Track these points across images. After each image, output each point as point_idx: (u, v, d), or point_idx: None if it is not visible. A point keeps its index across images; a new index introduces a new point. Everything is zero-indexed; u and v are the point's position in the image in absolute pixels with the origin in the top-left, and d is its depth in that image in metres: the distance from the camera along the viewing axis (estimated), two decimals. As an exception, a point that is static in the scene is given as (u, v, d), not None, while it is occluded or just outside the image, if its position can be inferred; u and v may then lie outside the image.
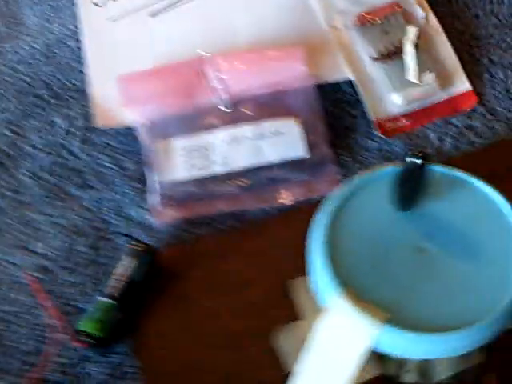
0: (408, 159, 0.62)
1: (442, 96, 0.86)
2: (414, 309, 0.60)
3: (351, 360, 0.60)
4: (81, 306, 0.74)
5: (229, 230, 0.78)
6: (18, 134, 0.86)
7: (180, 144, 0.80)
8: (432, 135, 0.84)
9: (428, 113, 0.85)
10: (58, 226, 0.79)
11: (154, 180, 0.79)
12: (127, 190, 0.81)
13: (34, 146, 0.84)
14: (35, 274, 0.76)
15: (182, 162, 0.79)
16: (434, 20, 0.90)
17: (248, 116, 0.81)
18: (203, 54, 0.82)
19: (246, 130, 0.81)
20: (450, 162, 0.83)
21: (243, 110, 0.82)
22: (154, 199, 0.79)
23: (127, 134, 0.84)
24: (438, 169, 0.67)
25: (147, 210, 0.79)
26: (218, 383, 0.70)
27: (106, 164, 0.83)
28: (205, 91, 0.82)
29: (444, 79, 0.87)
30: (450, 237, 0.64)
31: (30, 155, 0.84)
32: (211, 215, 0.79)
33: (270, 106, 0.81)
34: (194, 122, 0.81)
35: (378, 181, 0.66)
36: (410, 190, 0.65)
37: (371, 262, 0.63)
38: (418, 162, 0.62)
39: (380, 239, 0.64)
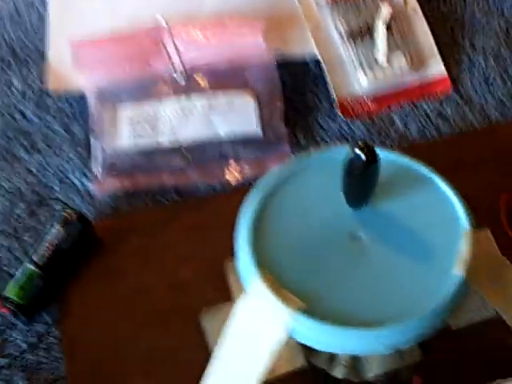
0: (352, 151, 0.55)
1: (414, 79, 0.81)
2: (339, 300, 0.55)
3: (265, 347, 0.56)
4: (12, 271, 0.71)
5: (169, 204, 0.75)
6: (-25, 93, 0.85)
7: (127, 112, 0.77)
8: (397, 120, 0.80)
9: (396, 96, 0.80)
10: (1, 189, 0.77)
11: (98, 148, 0.76)
12: (74, 157, 0.78)
13: (-11, 106, 0.83)
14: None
15: (127, 130, 0.76)
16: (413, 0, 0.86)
17: (202, 87, 0.78)
18: (162, 22, 0.79)
19: (197, 101, 0.77)
20: (412, 149, 0.79)
21: (198, 80, 0.78)
22: (96, 168, 0.76)
23: (81, 100, 0.81)
24: (388, 157, 0.60)
25: (90, 178, 0.76)
26: (139, 360, 0.67)
27: (56, 128, 0.80)
28: (161, 60, 0.78)
29: (417, 62, 0.82)
30: (390, 227, 0.59)
31: (-16, 115, 0.83)
32: (155, 188, 0.75)
33: (226, 78, 0.77)
34: (146, 90, 0.78)
35: (320, 163, 0.61)
36: (357, 184, 0.58)
37: (299, 247, 0.58)
38: (361, 155, 0.54)
39: (312, 224, 0.59)
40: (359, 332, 0.54)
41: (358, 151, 0.54)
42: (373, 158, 0.54)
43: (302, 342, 0.56)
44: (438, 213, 0.59)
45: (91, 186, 0.76)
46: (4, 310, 0.69)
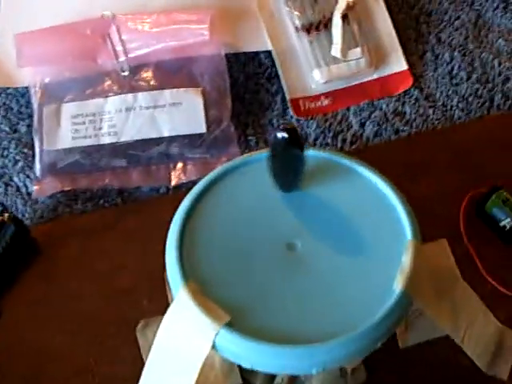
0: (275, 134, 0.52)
1: (372, 75, 0.77)
2: (268, 314, 0.51)
3: (190, 361, 0.52)
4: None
5: (108, 208, 0.72)
6: None
7: (69, 109, 0.73)
8: (353, 119, 0.76)
9: (353, 93, 0.76)
10: None
11: (39, 146, 0.73)
12: (18, 157, 0.75)
13: None
14: None
15: (68, 129, 0.72)
16: (374, -10, 0.81)
17: (148, 83, 0.74)
18: (108, 14, 0.76)
19: (140, 98, 0.74)
20: (367, 150, 0.75)
21: (144, 76, 0.75)
22: (37, 168, 0.73)
23: (28, 97, 0.77)
24: (323, 155, 0.57)
25: (32, 179, 0.73)
26: (70, 372, 0.64)
27: (2, 128, 0.76)
28: (107, 54, 0.75)
29: (376, 57, 0.78)
30: (330, 236, 0.55)
31: None
32: (96, 190, 0.72)
33: (173, 74, 0.74)
34: (91, 86, 0.74)
35: (255, 166, 0.57)
36: (282, 169, 0.55)
37: (230, 257, 0.54)
38: (283, 137, 0.51)
39: (245, 230, 0.55)
40: (284, 349, 0.50)
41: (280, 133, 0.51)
42: (290, 137, 0.51)
43: (228, 358, 0.52)
44: (383, 222, 0.55)
45: (32, 188, 0.73)
46: None
